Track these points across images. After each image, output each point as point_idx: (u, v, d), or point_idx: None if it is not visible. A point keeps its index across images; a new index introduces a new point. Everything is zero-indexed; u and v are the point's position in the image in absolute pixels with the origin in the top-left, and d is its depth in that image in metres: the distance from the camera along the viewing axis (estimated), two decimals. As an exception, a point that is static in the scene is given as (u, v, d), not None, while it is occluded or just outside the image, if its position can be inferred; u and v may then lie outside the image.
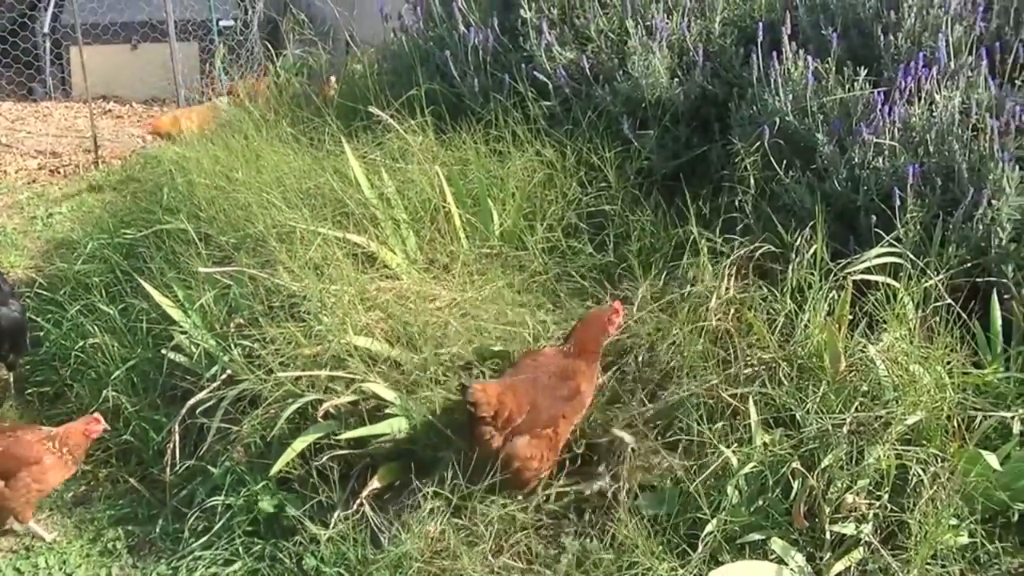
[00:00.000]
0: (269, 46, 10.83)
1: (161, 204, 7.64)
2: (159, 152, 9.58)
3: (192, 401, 5.95)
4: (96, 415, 6.07)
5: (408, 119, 7.05)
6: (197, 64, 13.47)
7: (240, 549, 5.61)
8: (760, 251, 5.69)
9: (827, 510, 4.68)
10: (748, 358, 5.28)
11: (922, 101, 5.63)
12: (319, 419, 5.54)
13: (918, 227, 5.46)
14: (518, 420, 5.02)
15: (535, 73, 6.99)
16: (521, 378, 5.17)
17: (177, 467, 5.99)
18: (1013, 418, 4.88)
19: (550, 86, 6.95)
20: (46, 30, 14.75)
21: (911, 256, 5.30)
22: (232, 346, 6.05)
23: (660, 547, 4.77)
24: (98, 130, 12.19)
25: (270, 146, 7.54)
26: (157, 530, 5.96)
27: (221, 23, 13.13)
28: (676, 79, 6.61)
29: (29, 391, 7.34)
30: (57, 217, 10.28)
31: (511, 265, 6.25)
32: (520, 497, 5.20)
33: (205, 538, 5.69)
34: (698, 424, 5.01)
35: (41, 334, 7.51)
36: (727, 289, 5.58)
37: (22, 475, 5.82)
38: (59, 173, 11.93)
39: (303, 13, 10.20)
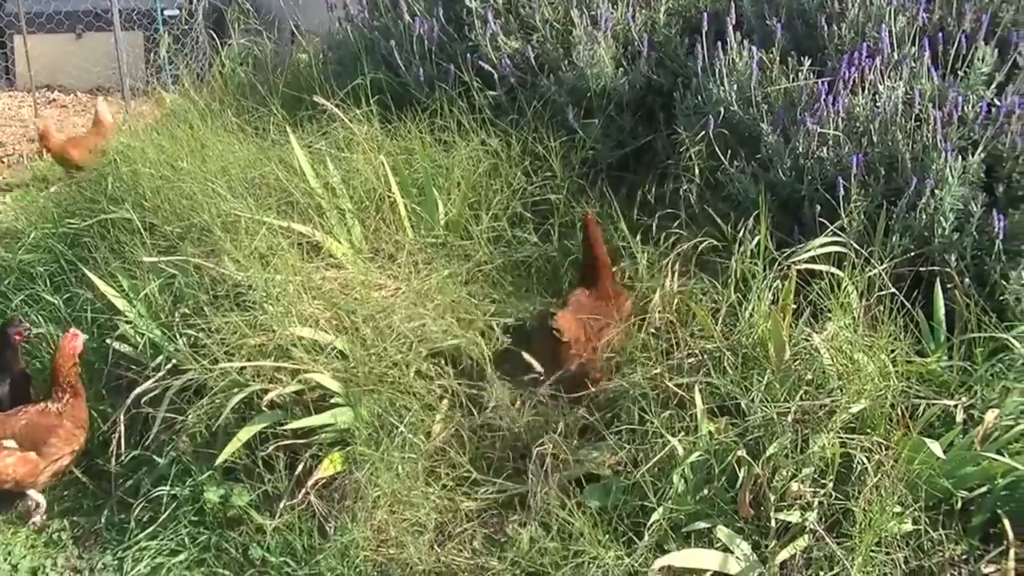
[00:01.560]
0: (214, 35, 10.75)
1: (106, 194, 7.57)
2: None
3: (137, 391, 5.90)
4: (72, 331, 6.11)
5: (354, 108, 7.03)
6: (142, 53, 13.40)
7: (186, 539, 5.61)
8: (704, 243, 5.73)
9: (772, 498, 4.71)
10: (691, 348, 5.31)
11: (866, 91, 5.67)
12: (264, 409, 5.53)
13: (862, 217, 5.51)
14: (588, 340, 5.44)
15: (480, 63, 6.98)
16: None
17: (122, 457, 5.95)
18: (956, 406, 4.93)
19: (495, 76, 6.95)
20: (-11, 19, 14.63)
21: (855, 245, 5.34)
22: (177, 336, 6.01)
23: (606, 536, 4.80)
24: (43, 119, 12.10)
25: (215, 136, 7.48)
26: (102, 521, 5.93)
27: (166, 12, 13.05)
28: (621, 69, 6.61)
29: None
30: (1, 207, 10.20)
31: (456, 255, 6.25)
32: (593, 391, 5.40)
33: (151, 529, 5.67)
34: (643, 413, 5.03)
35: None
36: (670, 280, 5.61)
37: (52, 441, 5.89)
38: (2, 163, 11.84)
39: (248, 2, 10.13)
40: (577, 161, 6.54)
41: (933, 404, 4.91)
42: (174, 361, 5.94)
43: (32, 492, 6.00)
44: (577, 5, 6.81)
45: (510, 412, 5.42)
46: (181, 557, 5.57)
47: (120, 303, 6.43)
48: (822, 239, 5.40)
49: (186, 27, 12.00)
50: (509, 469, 5.39)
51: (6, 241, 8.58)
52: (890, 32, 5.75)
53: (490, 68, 6.95)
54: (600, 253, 5.75)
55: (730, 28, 6.10)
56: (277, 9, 10.13)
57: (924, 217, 5.37)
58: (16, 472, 5.85)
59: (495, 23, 6.95)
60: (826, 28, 6.04)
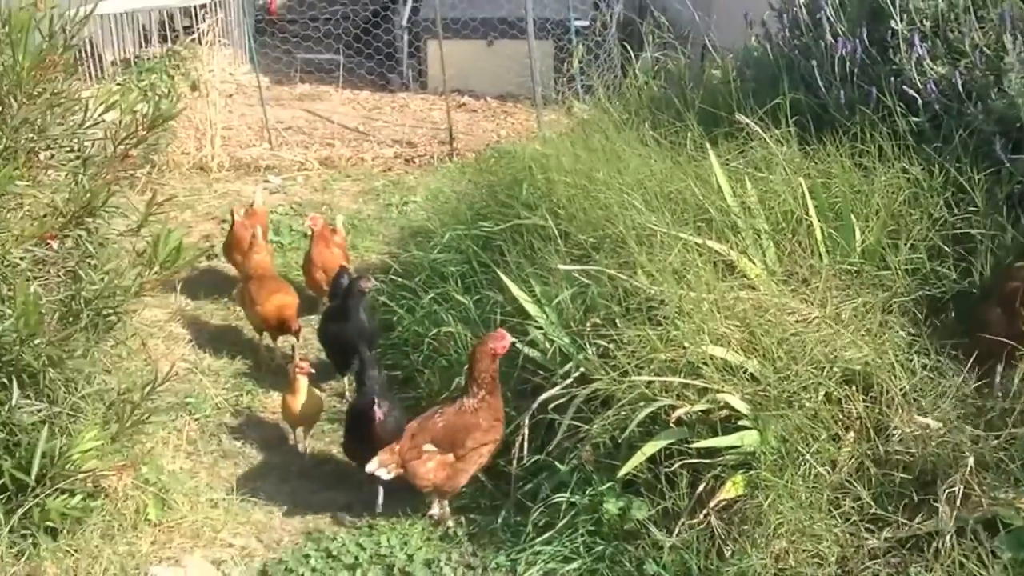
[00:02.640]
0: (626, 47, 10.85)
1: (519, 199, 7.74)
2: (515, 148, 9.71)
3: (544, 396, 6.02)
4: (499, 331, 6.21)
5: (772, 128, 6.95)
6: (552, 63, 13.63)
7: (581, 548, 5.67)
8: None
9: None
10: None
11: None
12: (671, 425, 5.53)
13: None
14: None
15: (904, 87, 6.78)
16: None
17: (524, 461, 6.06)
18: None
19: (919, 101, 6.73)
20: (405, 23, 15.18)
21: None
22: (587, 345, 6.09)
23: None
24: (453, 123, 12.49)
25: (630, 148, 7.55)
26: (499, 521, 6.06)
27: (577, 23, 13.24)
28: (1058, 100, 6.32)
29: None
30: (411, 205, 10.59)
31: (872, 283, 6.10)
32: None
33: (547, 534, 5.75)
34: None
35: (394, 319, 7.73)
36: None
37: (468, 443, 6.04)
38: (414, 163, 12.28)
39: (663, 16, 10.17)
40: (1002, 196, 6.24)
41: None
42: (582, 370, 6.01)
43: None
44: (1011, 30, 6.53)
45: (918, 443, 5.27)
46: (574, 565, 5.63)
47: (531, 308, 6.55)
48: None
49: (599, 38, 12.14)
50: (913, 504, 5.22)
51: (418, 239, 8.89)
52: None
53: (914, 93, 6.74)
54: None
55: None
56: (690, 23, 10.14)
57: None
58: (436, 477, 6.01)
59: (921, 47, 6.74)
60: None
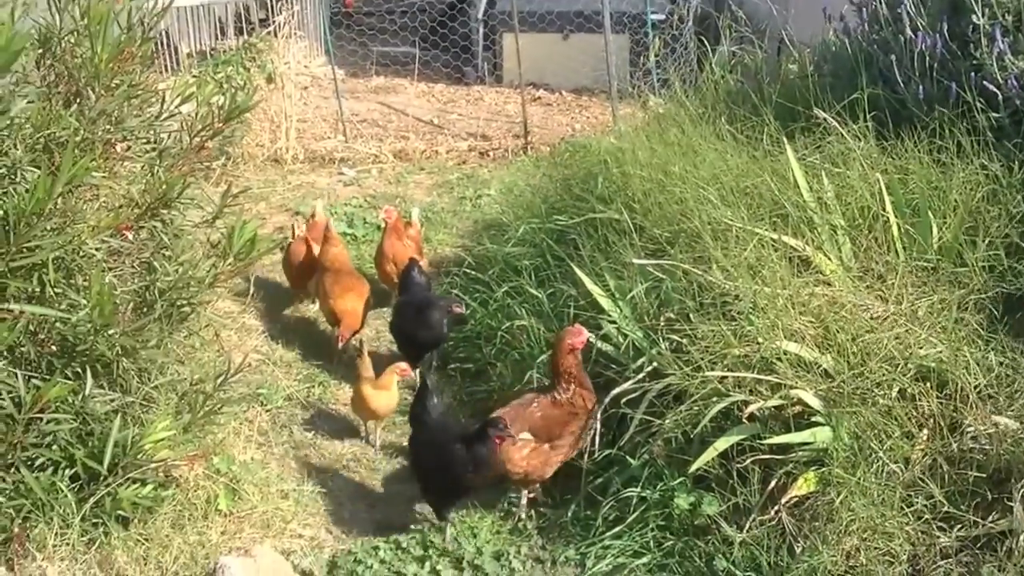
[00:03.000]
0: (703, 41, 10.80)
1: (594, 193, 7.74)
2: (590, 141, 9.69)
3: (617, 391, 6.02)
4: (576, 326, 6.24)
5: (849, 123, 6.88)
6: (627, 56, 13.60)
7: (651, 542, 5.68)
8: None
9: None
10: None
11: None
12: (744, 420, 5.50)
13: None
14: None
15: (984, 82, 6.68)
16: None
17: (595, 455, 6.06)
18: None
19: (999, 97, 6.64)
20: (480, 16, 15.21)
21: None
22: (660, 340, 6.08)
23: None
24: (527, 116, 12.48)
25: (706, 142, 7.52)
26: (568, 515, 6.06)
27: (654, 16, 13.18)
28: None
29: (452, 366, 7.57)
30: (485, 199, 10.60)
31: (948, 280, 6.02)
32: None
33: (617, 528, 5.76)
34: None
35: (467, 312, 7.73)
36: None
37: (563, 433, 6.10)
38: (488, 156, 12.29)
39: (740, 10, 10.11)
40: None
41: None
42: (655, 365, 6.00)
43: None
44: (1093, 25, 6.44)
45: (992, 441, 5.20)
46: (644, 560, 5.62)
47: (605, 302, 6.55)
48: None
49: (675, 32, 12.08)
50: (987, 503, 5.15)
51: (492, 232, 8.90)
52: None
53: (994, 88, 6.65)
54: None
55: None
56: (769, 18, 10.06)
57: None
58: (529, 464, 6.03)
59: (1003, 41, 6.65)
60: None
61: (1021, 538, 4.84)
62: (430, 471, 6.10)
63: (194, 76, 10.26)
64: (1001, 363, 5.47)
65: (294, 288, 8.75)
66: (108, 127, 5.40)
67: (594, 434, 6.06)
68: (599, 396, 6.18)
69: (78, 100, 5.34)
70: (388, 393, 6.78)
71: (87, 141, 5.26)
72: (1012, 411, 5.31)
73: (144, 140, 5.70)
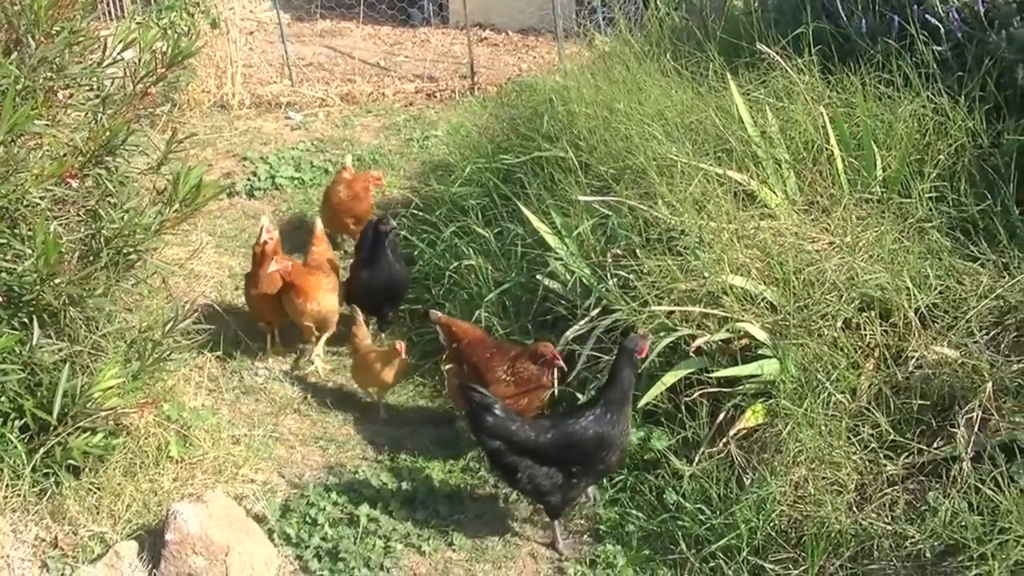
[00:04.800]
0: (648, -21, 10.77)
1: (540, 132, 7.71)
2: (536, 81, 9.67)
3: (569, 333, 6.05)
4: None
5: (794, 58, 6.89)
6: (575, -4, 13.55)
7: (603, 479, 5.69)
8: None
9: None
10: None
11: None
12: (691, 354, 5.54)
13: None
14: None
15: (926, 16, 6.71)
16: None
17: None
18: None
19: (941, 30, 6.67)
20: (425, -43, 15.10)
21: None
22: (608, 276, 6.10)
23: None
24: (474, 57, 12.42)
25: (651, 79, 7.51)
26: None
27: (595, -45, 13.11)
28: (1081, 24, 6.24)
29: (400, 308, 7.53)
30: (433, 140, 10.54)
31: (893, 212, 6.06)
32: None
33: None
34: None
35: (415, 253, 7.72)
36: None
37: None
38: (435, 97, 12.21)
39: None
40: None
41: None
42: (603, 301, 6.01)
43: None
44: (1034, -43, 6.46)
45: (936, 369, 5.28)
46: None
47: (552, 240, 6.56)
48: None
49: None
50: (932, 430, 5.23)
51: (439, 173, 8.87)
52: None
53: (936, 22, 6.67)
54: None
55: None
56: (713, -45, 10.04)
57: None
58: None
59: (944, -26, 6.68)
60: None
61: (965, 464, 4.90)
62: None
63: (137, 22, 10.17)
64: (940, 291, 5.55)
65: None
66: (49, 75, 5.34)
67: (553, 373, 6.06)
68: (548, 334, 6.21)
69: (18, 48, 5.29)
70: (401, 360, 6.59)
71: (28, 89, 5.21)
72: (955, 333, 5.41)
73: (87, 87, 5.65)
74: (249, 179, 9.77)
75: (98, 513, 5.44)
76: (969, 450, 4.93)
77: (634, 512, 5.54)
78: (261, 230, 7.17)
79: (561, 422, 5.39)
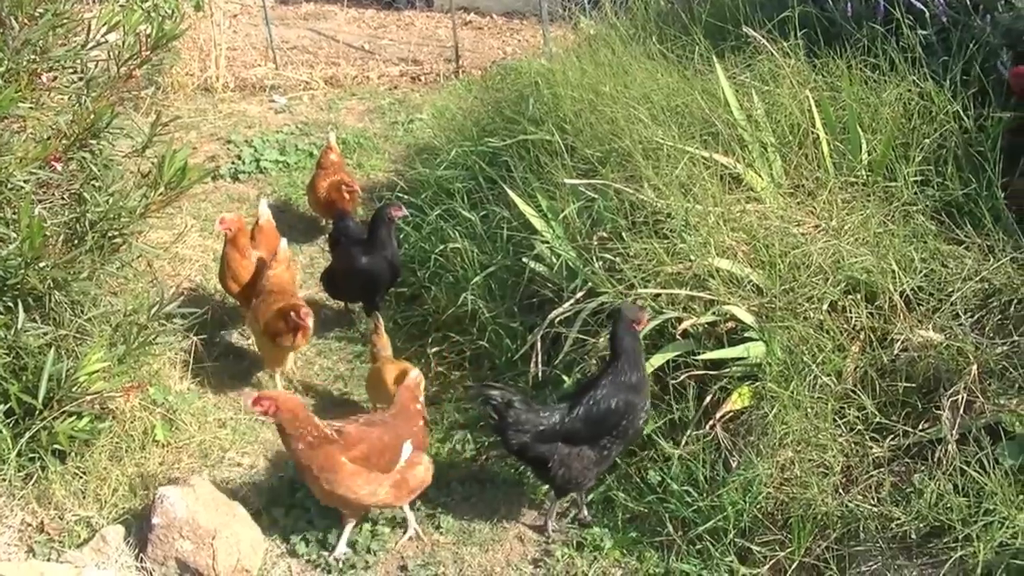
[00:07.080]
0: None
1: (525, 115, 7.71)
2: (521, 64, 9.64)
3: (555, 314, 6.01)
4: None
5: (780, 41, 6.89)
6: (560, -22, 13.52)
7: (587, 460, 5.69)
8: None
9: None
10: None
11: None
12: (678, 337, 5.55)
13: None
14: None
15: (912, 0, 6.71)
16: None
17: (539, 376, 6.07)
18: None
19: (927, 14, 6.67)
20: (399, -60, 15.06)
21: None
22: (594, 259, 6.09)
23: (1020, 497, 4.60)
24: (459, 40, 12.41)
25: (637, 62, 7.51)
26: (506, 434, 6.06)
27: (590, -63, 13.09)
28: (1066, 9, 6.24)
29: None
30: (417, 123, 10.53)
31: (878, 195, 6.07)
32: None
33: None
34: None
35: (401, 236, 7.71)
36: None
37: None
38: (420, 80, 12.21)
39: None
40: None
41: None
42: (589, 284, 6.01)
43: None
44: (1019, -59, 6.46)
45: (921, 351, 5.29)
46: (582, 478, 5.68)
47: (538, 223, 6.55)
48: None
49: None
50: (917, 412, 5.23)
51: (424, 157, 8.87)
52: None
53: (921, 6, 6.67)
54: None
55: None
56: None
57: None
58: None
59: (931, -42, 6.68)
60: None
61: (950, 446, 4.91)
62: None
63: (121, 5, 10.12)
64: (925, 274, 5.56)
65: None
66: (33, 57, 5.33)
67: (536, 356, 6.04)
68: (534, 317, 6.21)
69: (1, 30, 5.26)
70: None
71: (11, 72, 5.20)
72: (940, 315, 5.42)
73: (71, 70, 5.64)
74: (233, 162, 9.76)
75: (84, 497, 5.44)
76: (954, 432, 4.93)
77: (621, 494, 5.54)
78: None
79: (581, 399, 5.34)
